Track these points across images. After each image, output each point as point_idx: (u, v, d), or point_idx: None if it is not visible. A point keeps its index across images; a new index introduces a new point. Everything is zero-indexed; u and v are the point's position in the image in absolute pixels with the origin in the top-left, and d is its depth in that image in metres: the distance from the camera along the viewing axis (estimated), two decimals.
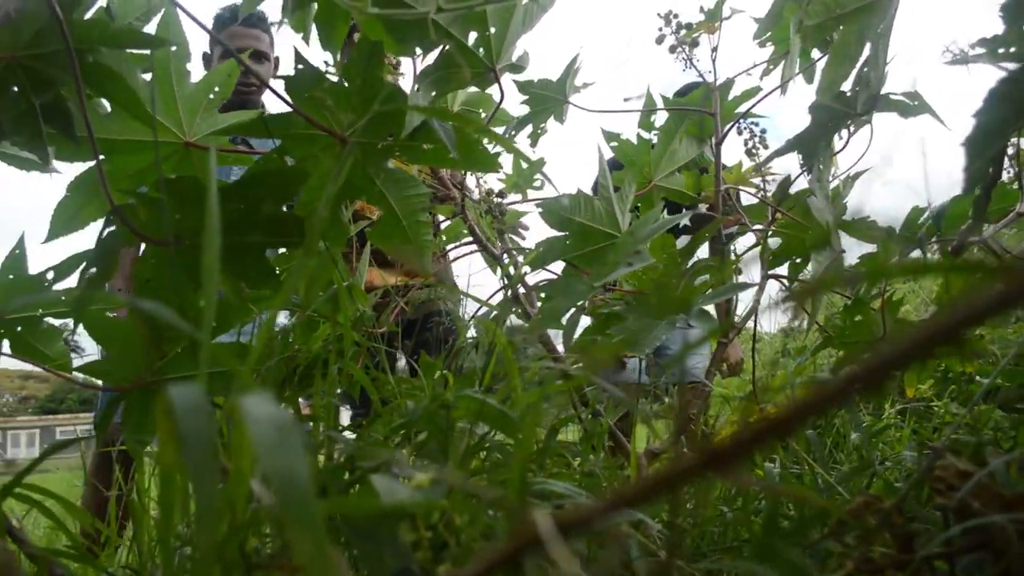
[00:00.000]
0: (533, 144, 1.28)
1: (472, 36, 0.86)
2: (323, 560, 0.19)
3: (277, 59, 2.57)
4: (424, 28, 0.82)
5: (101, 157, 0.94)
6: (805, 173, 1.11)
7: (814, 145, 1.04)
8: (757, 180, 1.41)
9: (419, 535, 0.45)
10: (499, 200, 1.14)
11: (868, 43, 0.82)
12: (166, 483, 0.36)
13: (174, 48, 0.94)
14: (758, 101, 1.26)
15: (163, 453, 0.35)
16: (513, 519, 0.22)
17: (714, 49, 1.26)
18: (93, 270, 0.81)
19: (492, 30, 0.87)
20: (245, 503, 0.34)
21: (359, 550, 0.44)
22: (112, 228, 0.79)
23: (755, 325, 1.24)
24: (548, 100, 1.12)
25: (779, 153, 1.06)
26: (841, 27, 0.78)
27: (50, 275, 1.10)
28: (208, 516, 0.23)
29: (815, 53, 1.25)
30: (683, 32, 1.27)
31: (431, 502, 0.38)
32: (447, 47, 0.85)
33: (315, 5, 0.95)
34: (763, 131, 1.40)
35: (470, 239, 1.14)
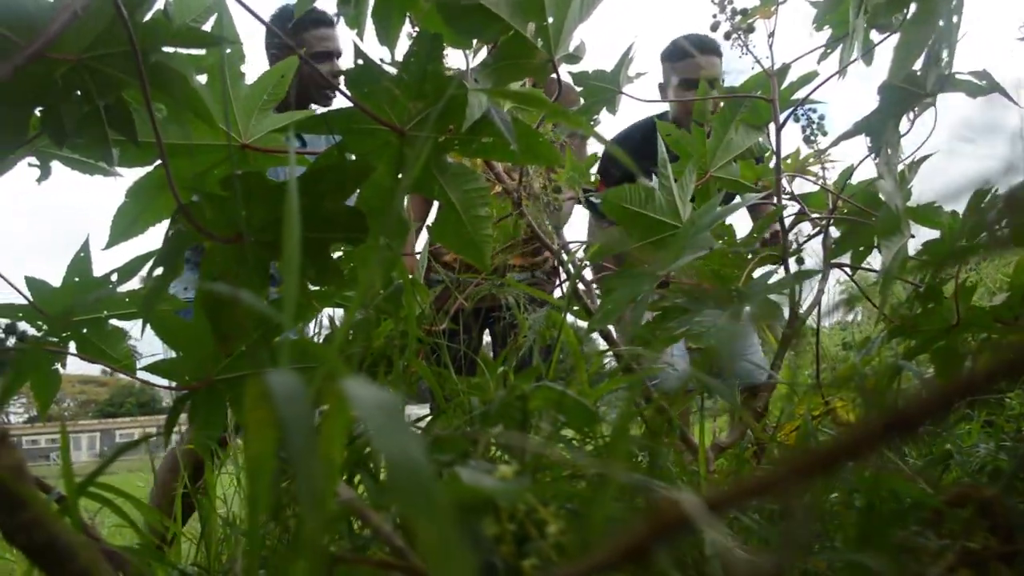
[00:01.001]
0: (586, 136, 1.27)
1: (530, 27, 0.85)
2: (450, 548, 0.18)
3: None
4: (483, 18, 0.81)
5: (160, 161, 0.95)
6: (872, 156, 1.08)
7: (882, 127, 1.01)
8: (816, 168, 1.38)
9: (502, 528, 0.44)
10: (556, 195, 1.13)
11: (940, 20, 0.79)
12: (255, 475, 0.35)
13: (228, 50, 0.95)
14: (816, 87, 1.23)
15: (253, 443, 0.34)
16: (647, 503, 0.21)
17: (770, 34, 1.23)
18: (160, 270, 0.81)
19: (550, 20, 0.86)
20: (334, 495, 0.33)
21: None
22: (178, 227, 0.79)
23: (818, 316, 1.21)
24: (602, 91, 1.11)
25: (846, 136, 1.03)
26: (913, 3, 0.76)
27: (114, 277, 1.12)
28: (315, 506, 0.22)
29: (874, 36, 1.22)
30: (738, 18, 1.25)
31: (519, 493, 0.37)
32: (506, 37, 0.84)
33: (371, 1, 0.95)
34: (821, 117, 1.36)
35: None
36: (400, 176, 0.90)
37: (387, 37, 0.94)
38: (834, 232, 1.26)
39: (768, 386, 1.08)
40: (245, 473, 0.32)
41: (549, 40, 0.85)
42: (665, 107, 2.76)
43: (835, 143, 1.27)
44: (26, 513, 0.36)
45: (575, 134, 2.32)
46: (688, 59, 2.39)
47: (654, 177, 1.09)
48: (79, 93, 0.87)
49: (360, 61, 0.85)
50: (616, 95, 1.12)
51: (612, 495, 0.28)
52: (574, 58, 0.91)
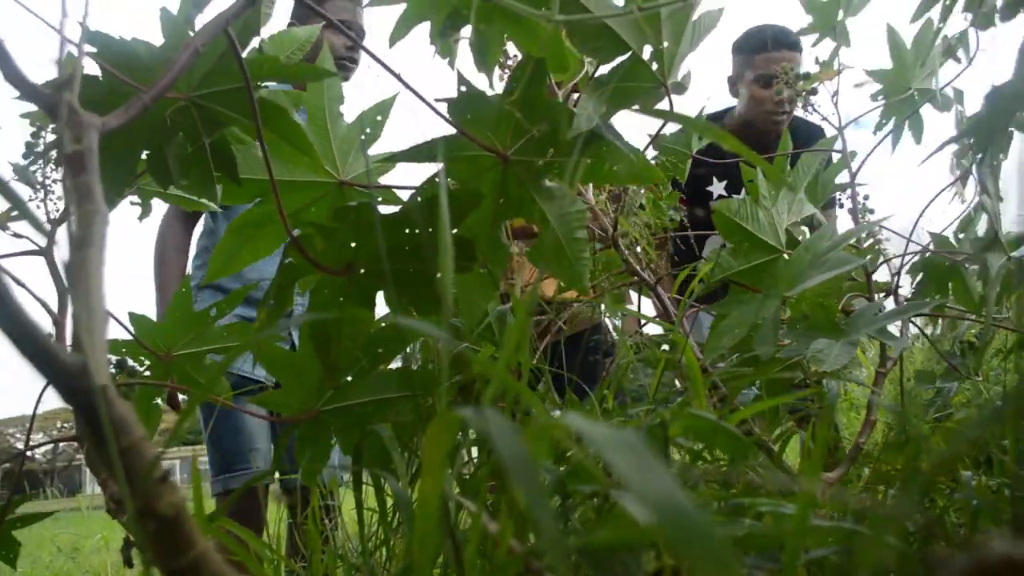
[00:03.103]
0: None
1: (647, 50, 0.84)
2: None
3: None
4: (606, 38, 0.80)
5: (259, 199, 0.96)
6: (977, 163, 1.04)
7: (990, 132, 0.98)
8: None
9: (662, 563, 0.42)
10: (646, 230, 1.11)
11: None
12: (425, 514, 0.34)
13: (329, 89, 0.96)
14: (864, 160, 1.21)
15: (426, 483, 0.33)
16: (971, 551, 0.19)
17: (834, 94, 1.23)
18: (272, 303, 0.82)
19: (666, 44, 0.85)
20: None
21: None
22: (289, 260, 0.80)
23: (901, 356, 1.18)
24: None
25: (948, 143, 1.01)
26: None
27: (213, 312, 1.14)
28: (556, 548, 0.21)
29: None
30: (801, 83, 1.25)
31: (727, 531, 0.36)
32: (624, 59, 0.83)
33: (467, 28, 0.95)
34: (866, 197, 1.34)
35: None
36: (502, 202, 0.90)
37: (485, 64, 0.94)
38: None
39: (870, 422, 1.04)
40: (418, 512, 0.31)
41: (663, 65, 0.84)
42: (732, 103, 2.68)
43: (954, 140, 1.23)
44: (194, 552, 0.36)
45: None
46: (766, 52, 2.28)
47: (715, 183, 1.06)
48: (182, 132, 0.89)
49: (463, 88, 0.85)
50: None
51: (890, 534, 0.26)
52: (681, 87, 0.89)
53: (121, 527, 0.82)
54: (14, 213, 1.06)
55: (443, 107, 0.85)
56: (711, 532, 0.18)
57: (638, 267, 1.07)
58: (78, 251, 0.40)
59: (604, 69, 0.89)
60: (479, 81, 0.95)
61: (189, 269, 2.44)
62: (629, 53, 0.82)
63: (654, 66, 0.85)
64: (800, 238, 1.06)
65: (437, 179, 0.89)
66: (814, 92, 1.28)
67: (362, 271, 0.82)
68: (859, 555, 0.26)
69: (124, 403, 0.36)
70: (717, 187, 2.44)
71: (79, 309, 0.38)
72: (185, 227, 2.43)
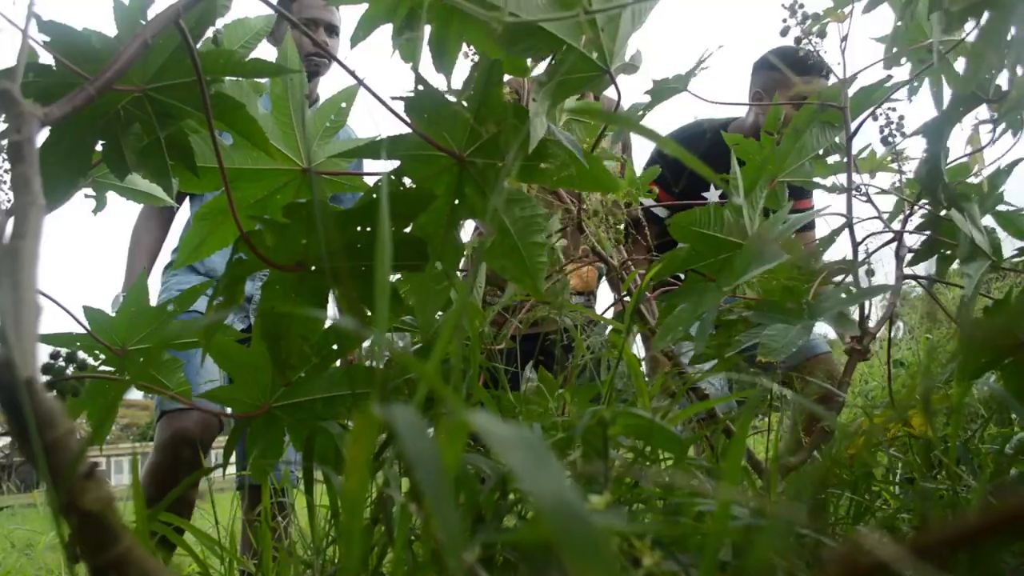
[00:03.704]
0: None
1: (583, 40, 0.85)
2: None
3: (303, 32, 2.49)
4: (537, 36, 0.80)
5: (222, 188, 0.96)
6: (924, 160, 1.05)
7: (942, 130, 0.99)
8: (894, 169, 1.35)
9: None
10: (615, 209, 1.12)
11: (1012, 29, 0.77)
12: (351, 511, 0.34)
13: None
14: (896, 88, 1.20)
15: (351, 479, 0.33)
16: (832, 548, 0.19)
17: (843, 39, 1.21)
18: (221, 299, 0.82)
19: (602, 31, 0.85)
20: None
21: None
22: (239, 256, 0.79)
23: (890, 330, 1.18)
24: (669, 93, 1.09)
25: (911, 134, 1.02)
26: (986, 12, 0.74)
27: (170, 307, 1.13)
28: (454, 544, 0.21)
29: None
30: (809, 22, 1.23)
31: (615, 528, 0.36)
32: (561, 53, 0.83)
33: (427, 28, 0.95)
34: (901, 117, 1.32)
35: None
36: (457, 203, 0.90)
37: (444, 64, 0.94)
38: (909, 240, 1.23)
39: (836, 401, 1.05)
40: (342, 509, 0.31)
41: (604, 51, 0.84)
42: (733, 112, 2.70)
43: (897, 146, 1.24)
44: (119, 547, 0.36)
45: (627, 147, 2.29)
46: (801, 76, 2.30)
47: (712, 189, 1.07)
48: (138, 124, 0.88)
49: (420, 87, 0.85)
50: (675, 92, 1.10)
51: (775, 535, 0.27)
52: (631, 67, 0.90)
53: None
54: None
55: (400, 106, 0.86)
56: (591, 527, 0.18)
57: (602, 250, 1.07)
58: (13, 241, 0.39)
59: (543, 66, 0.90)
60: (440, 82, 0.95)
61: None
62: (564, 47, 0.83)
63: (594, 55, 0.86)
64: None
65: (392, 177, 0.89)
66: (823, 35, 1.26)
67: (313, 268, 0.82)
68: (752, 554, 0.27)
69: (50, 397, 0.36)
70: (713, 194, 2.46)
71: (6, 300, 0.37)
72: (160, 219, 2.41)
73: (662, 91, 1.07)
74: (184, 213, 2.46)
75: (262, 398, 0.93)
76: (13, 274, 0.39)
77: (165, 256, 2.43)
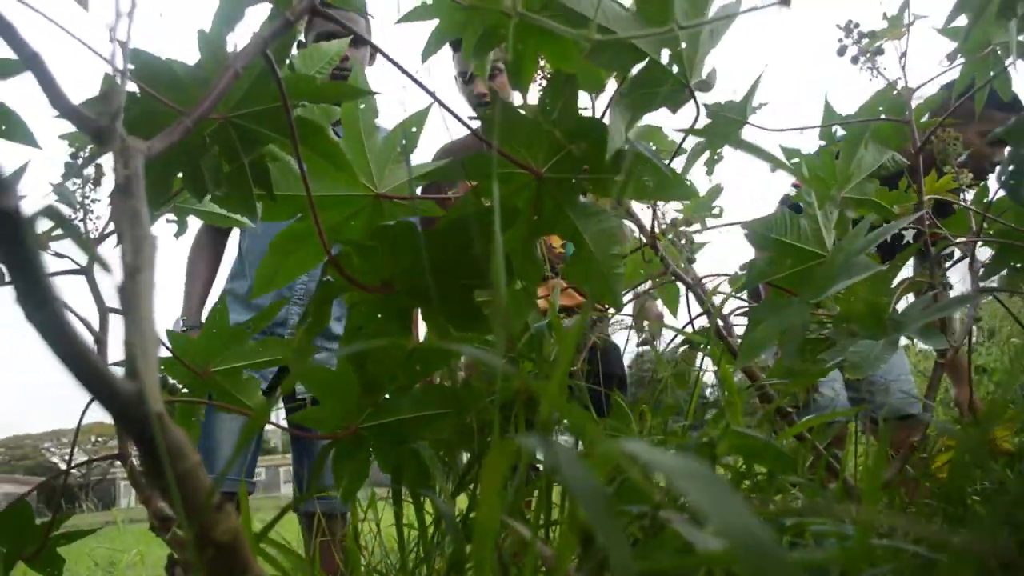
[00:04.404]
0: (709, 172, 1.24)
1: (665, 54, 0.84)
2: None
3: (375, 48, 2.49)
4: (620, 50, 0.80)
5: (299, 215, 0.97)
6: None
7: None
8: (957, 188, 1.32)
9: None
10: (684, 228, 1.11)
11: None
12: (482, 538, 0.34)
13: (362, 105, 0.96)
14: (956, 104, 1.17)
15: (484, 507, 0.33)
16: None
17: (902, 55, 1.19)
18: (309, 320, 0.83)
19: (683, 46, 0.85)
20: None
21: None
22: (327, 278, 0.80)
23: (970, 344, 1.15)
24: (730, 123, 1.08)
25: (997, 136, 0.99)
26: None
27: (249, 328, 1.14)
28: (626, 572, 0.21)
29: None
30: (866, 40, 1.21)
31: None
32: (642, 66, 0.83)
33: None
34: (957, 137, 1.30)
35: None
36: (536, 218, 0.90)
37: (520, 81, 0.94)
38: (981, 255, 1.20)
39: (921, 419, 1.03)
40: (475, 539, 0.30)
41: (684, 66, 0.84)
42: None
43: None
44: None
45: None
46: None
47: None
48: (220, 151, 0.90)
49: (496, 105, 0.85)
50: (742, 125, 1.09)
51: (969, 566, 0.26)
52: (706, 85, 0.89)
53: (161, 543, 0.83)
54: (55, 232, 1.07)
55: (476, 124, 0.86)
56: (787, 565, 0.17)
57: (677, 267, 1.06)
58: (130, 278, 0.40)
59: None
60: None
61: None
62: (647, 60, 0.82)
63: (675, 69, 0.85)
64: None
65: (476, 197, 0.89)
66: (880, 52, 1.23)
67: (399, 288, 0.82)
68: None
69: (178, 429, 0.36)
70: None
71: (132, 335, 0.38)
72: (213, 246, 2.48)
73: (725, 125, 1.05)
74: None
75: (349, 419, 0.93)
76: (135, 310, 0.39)
77: (219, 281, 2.50)
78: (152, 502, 0.86)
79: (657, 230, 1.08)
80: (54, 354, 0.33)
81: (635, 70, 0.84)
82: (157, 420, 0.35)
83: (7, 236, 0.30)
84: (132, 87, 0.82)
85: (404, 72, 0.83)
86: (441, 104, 0.84)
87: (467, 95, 2.51)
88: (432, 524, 0.86)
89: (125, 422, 0.35)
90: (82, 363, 0.33)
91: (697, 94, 0.91)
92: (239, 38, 0.83)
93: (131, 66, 0.81)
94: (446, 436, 0.94)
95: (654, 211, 1.10)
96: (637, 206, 1.11)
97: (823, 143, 1.28)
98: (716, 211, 1.31)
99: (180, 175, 0.91)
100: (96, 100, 0.80)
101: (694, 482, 0.20)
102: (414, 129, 0.99)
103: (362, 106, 0.95)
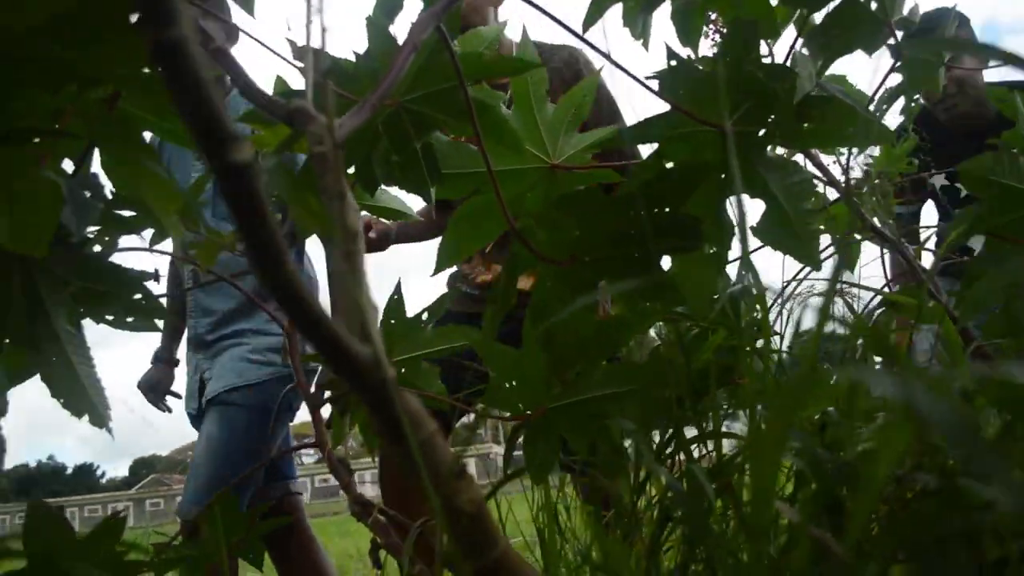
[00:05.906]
0: (908, 123, 1.15)
1: None
2: None
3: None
4: None
5: (476, 190, 0.96)
6: None
7: None
8: None
9: (1007, 550, 0.37)
10: (883, 180, 1.03)
11: None
12: (760, 502, 0.30)
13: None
14: None
15: (760, 466, 0.29)
16: None
17: None
18: (498, 301, 0.81)
19: None
20: None
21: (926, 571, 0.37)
22: (512, 252, 0.78)
23: None
24: (926, 64, 0.98)
25: None
26: None
27: (424, 316, 1.15)
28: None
29: None
30: None
31: None
32: (838, 4, 0.76)
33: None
34: None
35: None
36: (724, 177, 0.84)
37: (688, 37, 0.90)
38: None
39: None
40: (752, 503, 0.27)
41: (883, 2, 0.77)
42: None
43: None
44: (495, 551, 0.34)
45: None
46: None
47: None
48: (386, 139, 0.89)
49: (673, 63, 0.80)
50: (940, 66, 0.99)
51: None
52: (909, 22, 0.81)
53: (341, 534, 0.83)
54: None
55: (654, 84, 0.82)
56: None
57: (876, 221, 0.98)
58: (349, 242, 0.39)
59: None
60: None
61: None
62: None
63: (873, 5, 0.78)
64: None
65: (659, 159, 0.85)
66: None
67: (586, 260, 0.79)
68: None
69: (413, 397, 0.34)
70: (937, 179, 2.25)
71: (354, 304, 0.37)
72: None
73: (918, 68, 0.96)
74: None
75: (537, 400, 0.91)
76: (353, 277, 0.38)
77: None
78: (352, 488, 0.87)
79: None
80: (291, 318, 0.31)
81: (827, 8, 0.78)
82: (393, 386, 0.33)
83: (238, 191, 0.29)
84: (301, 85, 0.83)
85: (573, 33, 0.80)
86: (615, 64, 0.81)
87: None
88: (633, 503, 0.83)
89: (362, 388, 0.33)
90: (320, 328, 0.32)
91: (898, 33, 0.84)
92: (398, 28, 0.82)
93: (301, 64, 0.82)
94: (637, 412, 0.90)
95: (846, 164, 1.02)
96: (825, 159, 1.04)
97: None
98: (911, 164, 1.22)
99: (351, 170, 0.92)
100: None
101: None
102: (585, 96, 0.96)
103: (532, 77, 0.93)
